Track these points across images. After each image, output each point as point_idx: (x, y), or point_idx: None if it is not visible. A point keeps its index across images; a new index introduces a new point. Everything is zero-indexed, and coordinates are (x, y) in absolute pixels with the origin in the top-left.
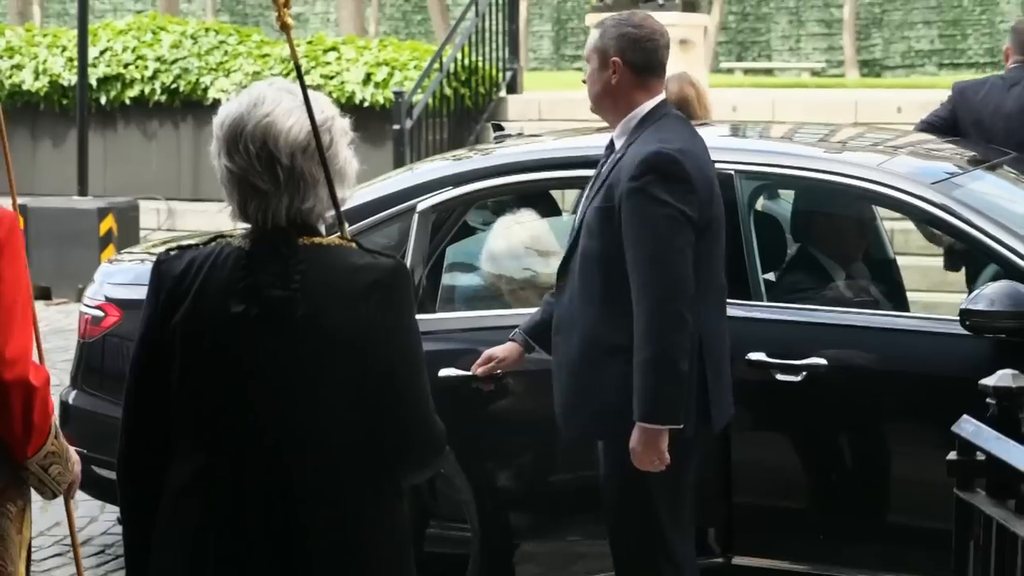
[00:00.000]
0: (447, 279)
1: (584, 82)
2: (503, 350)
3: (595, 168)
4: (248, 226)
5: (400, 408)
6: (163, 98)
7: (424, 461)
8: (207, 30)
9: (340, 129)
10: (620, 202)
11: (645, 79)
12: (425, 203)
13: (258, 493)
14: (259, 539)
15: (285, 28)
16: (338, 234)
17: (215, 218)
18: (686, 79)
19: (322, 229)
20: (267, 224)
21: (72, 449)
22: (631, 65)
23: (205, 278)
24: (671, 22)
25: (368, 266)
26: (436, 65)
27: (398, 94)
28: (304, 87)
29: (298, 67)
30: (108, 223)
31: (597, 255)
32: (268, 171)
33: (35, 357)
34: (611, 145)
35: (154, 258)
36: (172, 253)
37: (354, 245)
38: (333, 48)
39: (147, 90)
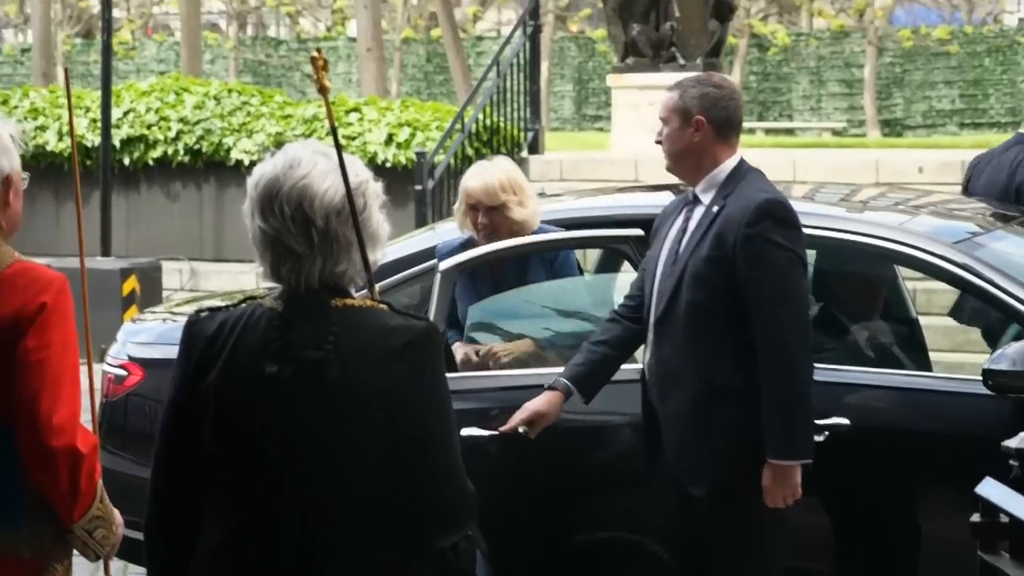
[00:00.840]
0: (469, 337)
1: (658, 142)
2: (545, 403)
3: (629, 226)
4: (278, 287)
5: (432, 469)
6: (186, 159)
7: (456, 522)
8: (230, 91)
9: (373, 192)
10: (735, 249)
11: (727, 135)
12: (447, 263)
13: (289, 554)
14: None
15: (323, 91)
16: (368, 296)
17: (237, 278)
18: None
19: (353, 291)
20: (300, 286)
21: (116, 512)
22: (714, 123)
23: (238, 339)
24: None
25: (401, 328)
26: (458, 125)
27: (420, 154)
28: (340, 150)
29: (334, 129)
30: (131, 283)
31: (708, 302)
32: (303, 233)
33: (85, 420)
34: (694, 200)
35: (177, 318)
36: (203, 315)
37: (385, 307)
38: (355, 109)
39: (170, 151)
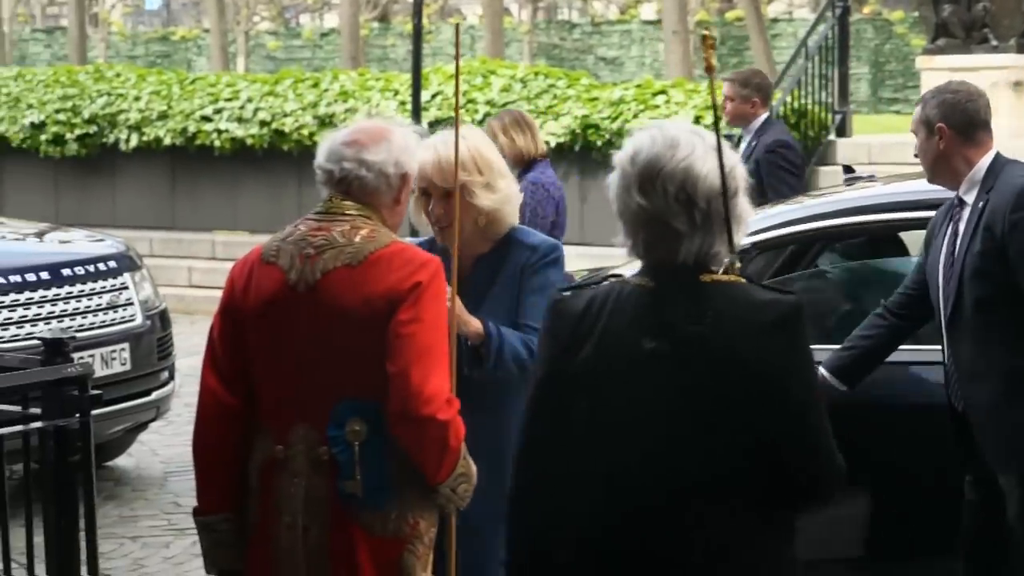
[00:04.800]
0: None
1: (916, 156)
2: None
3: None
4: (635, 264)
5: (808, 441)
6: None
7: (828, 495)
8: (536, 74)
9: (742, 175)
10: (1003, 238)
11: (972, 136)
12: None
13: (661, 527)
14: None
15: (709, 70)
16: (730, 271)
17: (598, 262)
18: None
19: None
20: (675, 263)
21: (472, 463)
22: (955, 127)
23: (611, 315)
24: (1004, 64)
25: (772, 302)
26: None
27: (728, 137)
28: (719, 132)
29: (716, 109)
30: None
31: (992, 295)
32: (685, 212)
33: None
34: (959, 203)
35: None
36: (566, 293)
37: (744, 282)
38: (662, 91)
39: None
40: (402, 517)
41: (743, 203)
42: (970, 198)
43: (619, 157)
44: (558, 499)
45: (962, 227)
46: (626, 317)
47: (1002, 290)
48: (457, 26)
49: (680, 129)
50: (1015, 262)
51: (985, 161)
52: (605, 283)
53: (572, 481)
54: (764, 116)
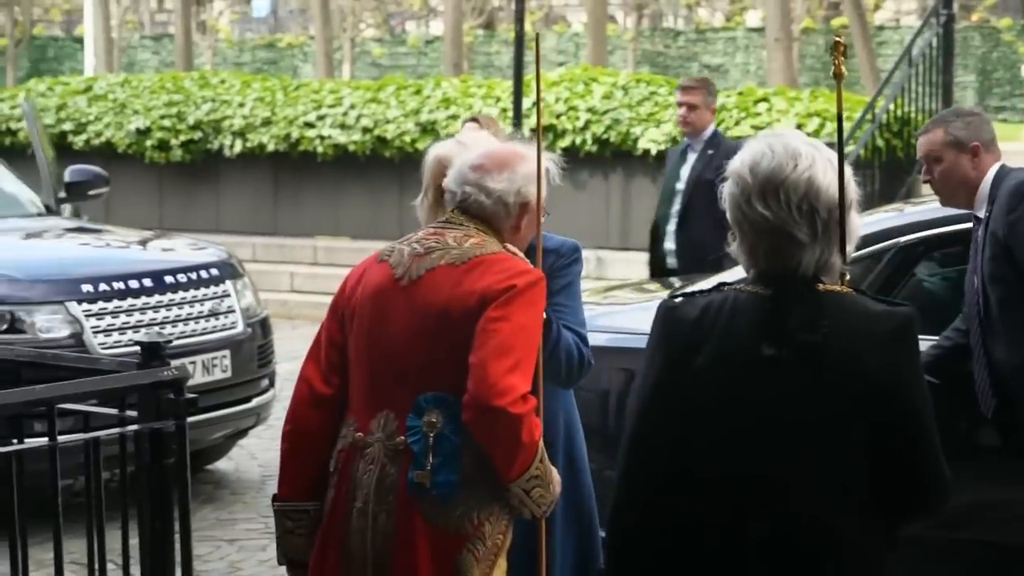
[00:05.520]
0: None
1: (925, 181)
2: None
3: None
4: (747, 273)
5: (923, 452)
6: (593, 148)
7: (935, 508)
8: (638, 81)
9: (854, 188)
10: (1006, 239)
11: (977, 154)
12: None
13: (778, 530)
14: None
15: (838, 77)
16: (841, 283)
17: (642, 268)
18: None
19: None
20: (794, 272)
21: (554, 471)
22: (985, 145)
23: (728, 322)
24: None
25: (886, 314)
26: (868, 116)
27: (828, 145)
28: (841, 143)
29: (840, 118)
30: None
31: (1010, 296)
32: (808, 223)
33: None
34: (975, 220)
35: (595, 307)
36: (679, 299)
37: (855, 293)
38: (764, 99)
39: (578, 140)
40: (467, 515)
41: (855, 215)
42: (982, 212)
43: (735, 167)
44: (664, 503)
45: (979, 238)
46: (744, 324)
47: (1016, 289)
48: (537, 36)
49: (797, 140)
50: (1020, 260)
51: (989, 175)
52: (717, 291)
53: (684, 482)
54: (713, 125)
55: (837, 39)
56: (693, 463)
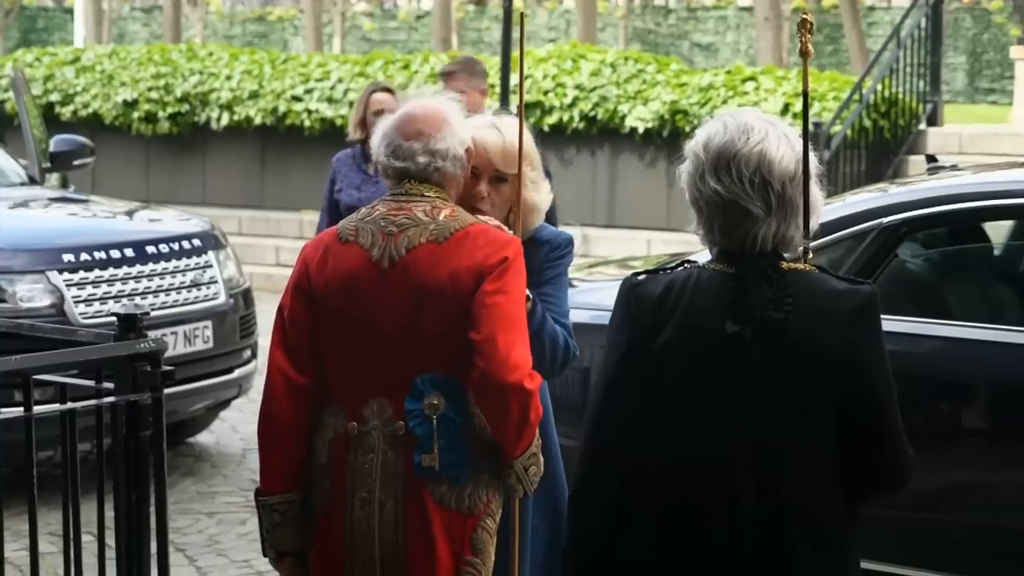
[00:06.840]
0: None
1: None
2: None
3: None
4: (710, 250)
5: (882, 433)
6: (581, 125)
7: (897, 487)
8: (626, 59)
9: (814, 163)
10: None
11: None
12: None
13: (749, 509)
14: (751, 564)
15: (804, 54)
16: (803, 260)
17: (627, 245)
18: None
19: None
20: (753, 248)
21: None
22: None
23: (692, 300)
24: None
25: (849, 292)
26: (856, 96)
27: (817, 125)
28: (807, 118)
29: (805, 96)
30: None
31: None
32: (761, 196)
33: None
34: None
35: (576, 283)
36: (642, 277)
37: (818, 271)
38: (752, 78)
39: (565, 117)
40: (476, 493)
41: (815, 190)
42: None
43: (690, 146)
44: (625, 481)
45: None
46: (708, 301)
47: None
48: (523, 15)
49: (751, 116)
50: None
51: None
52: (681, 268)
53: (646, 460)
54: (486, 105)
55: (805, 16)
56: (656, 441)
